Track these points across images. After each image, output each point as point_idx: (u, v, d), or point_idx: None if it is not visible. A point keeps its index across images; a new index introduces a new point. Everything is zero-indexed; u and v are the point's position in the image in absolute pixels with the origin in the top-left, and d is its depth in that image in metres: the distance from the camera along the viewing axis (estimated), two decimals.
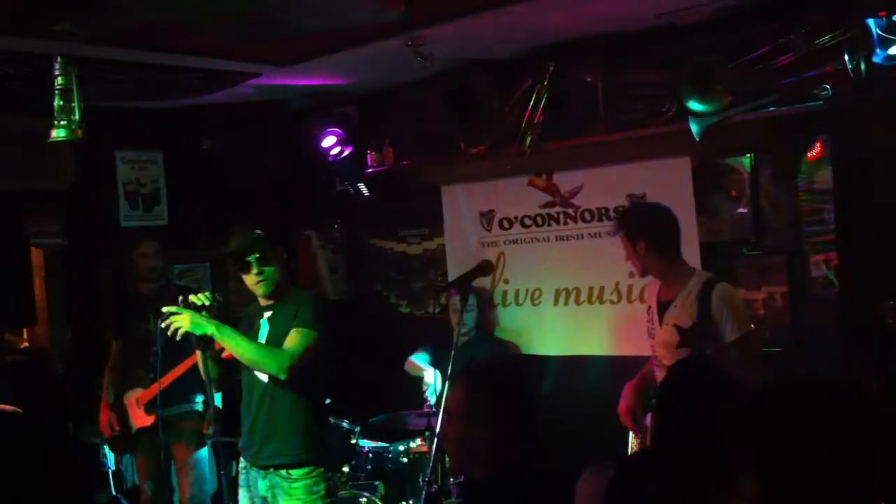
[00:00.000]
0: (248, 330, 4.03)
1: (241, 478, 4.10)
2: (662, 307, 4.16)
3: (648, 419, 4.19)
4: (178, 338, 3.72)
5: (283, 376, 3.82)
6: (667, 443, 2.40)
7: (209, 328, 3.73)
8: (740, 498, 1.83)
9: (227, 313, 4.04)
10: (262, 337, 4.00)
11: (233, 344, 3.81)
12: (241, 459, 4.11)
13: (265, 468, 3.98)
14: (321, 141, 6.27)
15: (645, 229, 4.15)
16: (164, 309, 3.77)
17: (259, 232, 3.95)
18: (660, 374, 4.14)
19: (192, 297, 3.81)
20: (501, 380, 2.83)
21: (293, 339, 3.85)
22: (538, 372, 5.82)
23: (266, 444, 3.98)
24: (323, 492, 3.95)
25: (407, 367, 5.78)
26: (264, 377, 3.95)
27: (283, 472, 3.93)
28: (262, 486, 3.99)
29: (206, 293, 3.85)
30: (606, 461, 2.49)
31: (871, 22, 4.18)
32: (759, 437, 1.74)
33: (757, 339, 4.10)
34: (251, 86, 5.72)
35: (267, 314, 4.03)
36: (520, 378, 2.91)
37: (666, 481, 2.25)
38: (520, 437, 2.67)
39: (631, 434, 4.35)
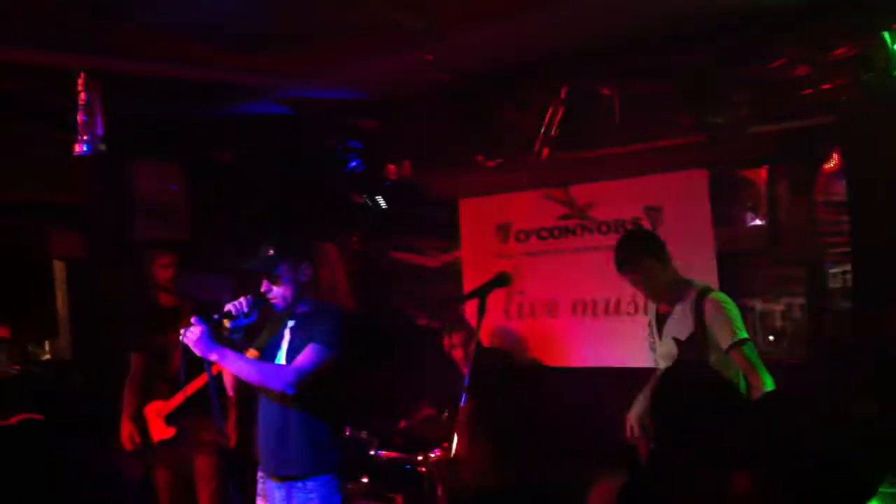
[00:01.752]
0: (271, 337, 4.08)
1: (258, 487, 4.13)
2: (661, 320, 4.20)
3: None
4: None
5: (290, 392, 3.86)
6: (667, 446, 2.42)
7: (211, 353, 3.79)
8: (740, 496, 1.85)
9: (266, 318, 4.07)
10: (284, 348, 4.04)
11: (235, 368, 3.88)
12: (259, 470, 4.14)
13: (281, 479, 4.00)
14: (340, 153, 6.31)
15: (658, 246, 4.20)
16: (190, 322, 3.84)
17: (271, 250, 3.99)
18: None
19: (225, 308, 3.86)
20: (500, 396, 2.83)
21: (306, 355, 3.89)
22: (548, 384, 5.83)
23: (281, 456, 4.00)
24: (339, 502, 3.97)
25: None
26: None
27: (300, 482, 3.96)
28: (277, 495, 4.02)
29: (247, 299, 3.89)
30: (617, 469, 2.52)
31: (885, 35, 4.20)
32: (756, 439, 1.75)
33: (754, 345, 4.10)
34: (271, 98, 5.77)
35: (291, 324, 4.07)
36: (520, 393, 2.90)
37: (671, 484, 2.27)
38: (521, 450, 2.68)
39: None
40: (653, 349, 4.30)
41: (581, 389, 5.75)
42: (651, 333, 4.31)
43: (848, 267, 4.77)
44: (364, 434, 5.30)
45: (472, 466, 2.63)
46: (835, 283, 4.85)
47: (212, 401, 3.86)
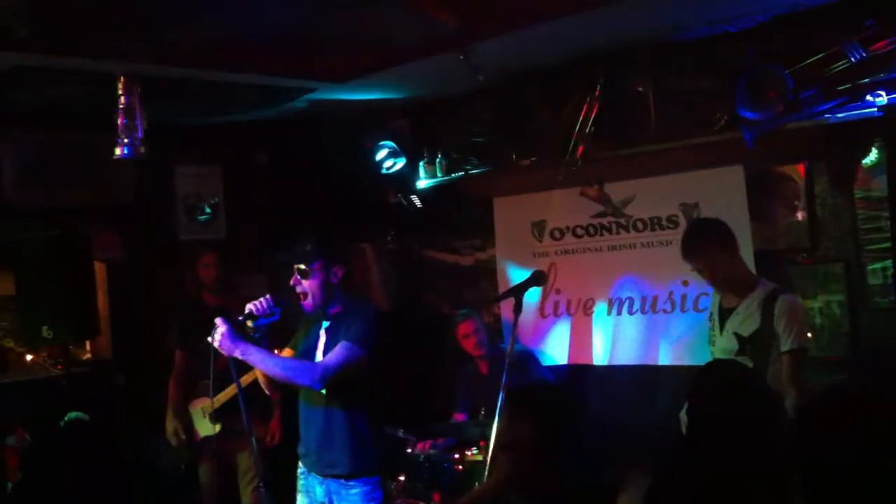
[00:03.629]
0: (305, 337, 4.12)
1: (300, 483, 4.18)
2: (724, 315, 4.16)
3: None
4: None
5: (318, 387, 3.89)
6: (699, 446, 2.40)
7: (235, 351, 3.84)
8: (773, 499, 1.84)
9: (290, 317, 4.12)
10: (321, 349, 4.08)
11: (261, 366, 3.93)
12: (300, 465, 4.19)
13: (325, 476, 4.05)
14: (374, 154, 6.35)
15: (729, 234, 4.17)
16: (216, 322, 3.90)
17: (307, 247, 4.03)
18: None
19: (247, 309, 3.91)
20: (536, 403, 2.82)
21: (335, 353, 3.93)
22: (583, 386, 5.82)
23: (323, 455, 4.05)
24: (380, 499, 4.01)
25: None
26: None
27: (342, 480, 4.00)
28: (319, 491, 4.06)
29: (265, 299, 3.94)
30: (644, 469, 2.50)
31: None
32: (795, 441, 1.74)
33: (804, 357, 4.06)
34: (306, 101, 5.82)
35: (326, 324, 4.11)
36: (557, 398, 2.89)
37: (700, 486, 2.26)
38: (558, 455, 2.67)
39: None
40: (711, 343, 4.26)
41: (617, 388, 5.75)
42: (712, 328, 4.26)
43: (888, 263, 4.72)
44: (401, 432, 5.33)
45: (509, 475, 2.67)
46: (874, 280, 4.81)
47: (240, 404, 3.92)
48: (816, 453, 1.72)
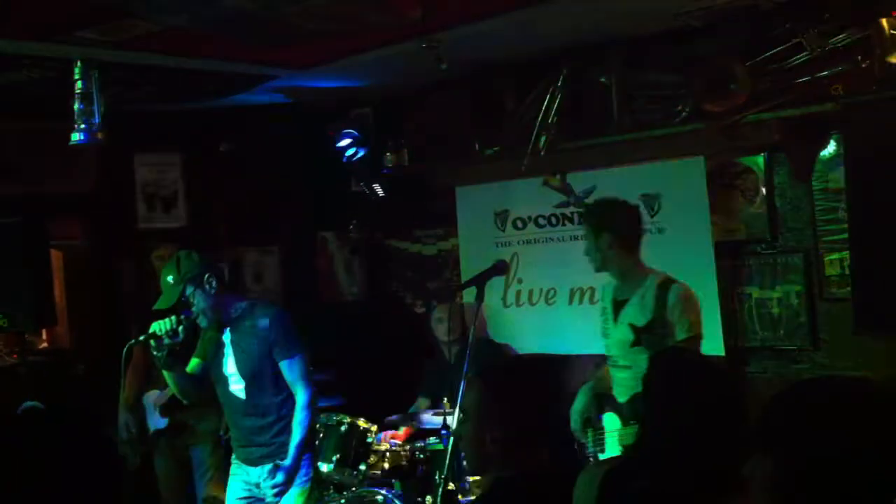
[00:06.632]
0: (210, 347, 4.12)
1: (232, 468, 4.29)
2: (617, 306, 4.20)
3: (602, 420, 4.31)
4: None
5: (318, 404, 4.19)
6: (656, 434, 2.42)
7: (295, 474, 4.12)
8: (732, 488, 1.86)
9: (192, 335, 4.12)
10: (231, 358, 4.13)
11: (309, 450, 4.24)
12: (234, 454, 4.32)
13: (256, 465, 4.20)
14: (337, 142, 6.31)
15: (611, 222, 4.17)
16: None
17: (169, 280, 4.00)
18: (616, 374, 4.23)
19: (151, 329, 3.90)
20: (515, 381, 2.86)
21: (295, 373, 4.08)
22: (552, 372, 5.84)
23: (253, 450, 4.19)
24: (312, 473, 4.22)
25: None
26: (240, 393, 4.14)
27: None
28: (253, 472, 4.14)
29: (171, 319, 3.91)
30: (604, 459, 2.52)
31: (884, 21, 4.20)
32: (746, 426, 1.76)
33: (699, 346, 4.09)
34: (269, 89, 5.77)
35: (229, 334, 4.13)
36: (533, 379, 2.93)
37: (658, 474, 2.27)
38: (532, 437, 2.69)
39: (590, 432, 4.38)
40: (604, 335, 4.30)
41: (578, 377, 5.77)
42: (605, 320, 4.30)
43: (845, 254, 4.78)
44: (362, 421, 5.31)
45: (478, 450, 2.66)
46: (832, 271, 4.87)
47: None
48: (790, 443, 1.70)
